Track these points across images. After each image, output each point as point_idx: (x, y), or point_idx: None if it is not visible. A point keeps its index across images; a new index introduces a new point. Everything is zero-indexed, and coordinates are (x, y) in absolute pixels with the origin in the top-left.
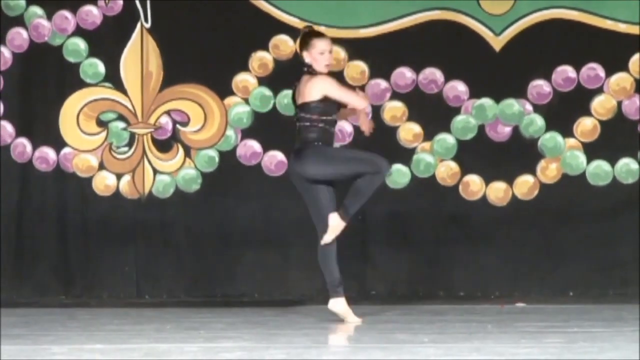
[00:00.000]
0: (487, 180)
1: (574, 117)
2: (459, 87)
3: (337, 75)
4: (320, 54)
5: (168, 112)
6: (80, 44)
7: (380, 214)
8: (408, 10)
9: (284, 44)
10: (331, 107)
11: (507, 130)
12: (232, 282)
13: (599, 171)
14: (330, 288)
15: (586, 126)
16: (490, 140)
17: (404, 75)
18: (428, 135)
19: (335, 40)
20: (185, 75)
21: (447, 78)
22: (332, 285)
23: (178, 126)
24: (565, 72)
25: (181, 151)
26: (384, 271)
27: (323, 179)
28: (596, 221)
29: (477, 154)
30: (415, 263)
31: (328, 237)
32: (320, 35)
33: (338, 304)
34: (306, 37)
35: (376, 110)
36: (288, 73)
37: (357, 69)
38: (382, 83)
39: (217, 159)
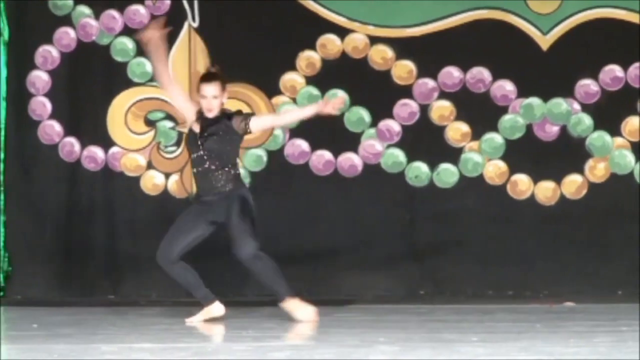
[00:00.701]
0: (535, 180)
1: (622, 116)
2: (506, 87)
3: (384, 75)
4: (202, 98)
5: None
6: (128, 43)
7: (428, 213)
8: (455, 10)
9: (331, 43)
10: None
11: (555, 129)
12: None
13: None
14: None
15: (634, 125)
16: (538, 139)
17: (451, 74)
18: (476, 135)
19: (383, 40)
20: (233, 74)
21: (495, 77)
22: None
23: None
24: (612, 71)
25: None
26: (433, 271)
27: None
28: None
29: (525, 153)
30: (463, 262)
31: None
32: (205, 79)
33: (292, 304)
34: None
35: (424, 110)
36: (335, 72)
37: (405, 68)
38: (430, 82)
39: (265, 158)
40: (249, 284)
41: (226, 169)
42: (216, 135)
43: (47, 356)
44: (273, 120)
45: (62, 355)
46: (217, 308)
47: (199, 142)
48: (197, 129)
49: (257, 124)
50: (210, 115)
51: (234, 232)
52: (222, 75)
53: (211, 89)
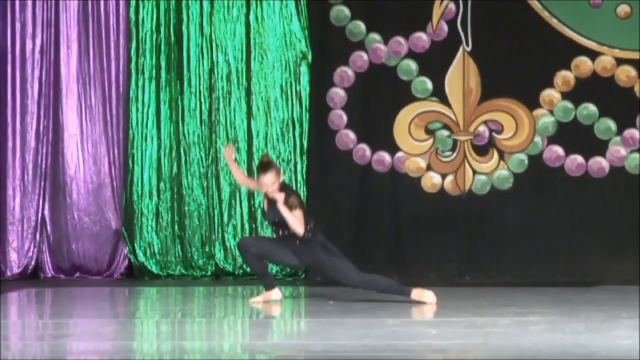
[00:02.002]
0: None
1: None
2: None
3: (629, 90)
4: (262, 186)
5: (485, 122)
6: (412, 64)
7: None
8: None
9: (583, 64)
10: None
11: None
12: (539, 265)
13: None
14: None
15: None
16: None
17: None
18: None
19: (627, 61)
20: (499, 90)
21: None
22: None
23: (494, 134)
24: None
25: (496, 155)
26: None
27: None
28: None
29: None
30: None
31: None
32: (261, 169)
33: (417, 293)
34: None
35: None
36: (587, 89)
37: None
38: None
39: (526, 162)
40: (512, 266)
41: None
42: (274, 213)
43: (341, 327)
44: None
45: (354, 327)
46: (275, 293)
47: (267, 217)
48: (265, 206)
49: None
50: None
51: (333, 273)
52: (274, 163)
53: (267, 179)
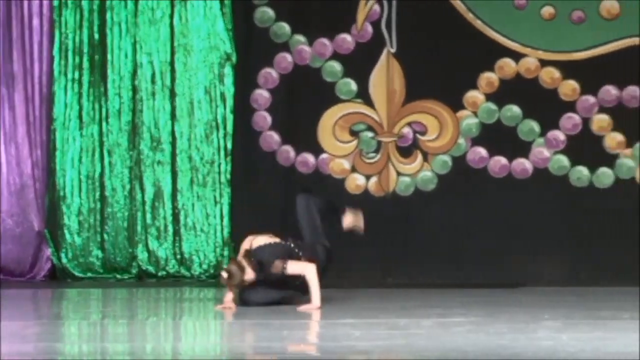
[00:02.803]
0: None
1: None
2: None
3: (552, 92)
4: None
5: (409, 124)
6: (336, 66)
7: (588, 209)
8: (612, 38)
9: (507, 66)
10: None
11: None
12: (463, 266)
13: None
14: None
15: None
16: None
17: (609, 92)
18: (630, 143)
19: (551, 62)
20: (423, 92)
21: None
22: None
23: (417, 135)
24: None
25: (420, 156)
26: (591, 258)
27: None
28: None
29: None
30: (617, 251)
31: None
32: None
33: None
34: None
35: (586, 122)
36: (511, 90)
37: (570, 86)
38: (591, 98)
39: (450, 163)
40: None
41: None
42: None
43: (265, 329)
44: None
45: (277, 329)
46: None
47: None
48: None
49: (293, 269)
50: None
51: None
52: (233, 272)
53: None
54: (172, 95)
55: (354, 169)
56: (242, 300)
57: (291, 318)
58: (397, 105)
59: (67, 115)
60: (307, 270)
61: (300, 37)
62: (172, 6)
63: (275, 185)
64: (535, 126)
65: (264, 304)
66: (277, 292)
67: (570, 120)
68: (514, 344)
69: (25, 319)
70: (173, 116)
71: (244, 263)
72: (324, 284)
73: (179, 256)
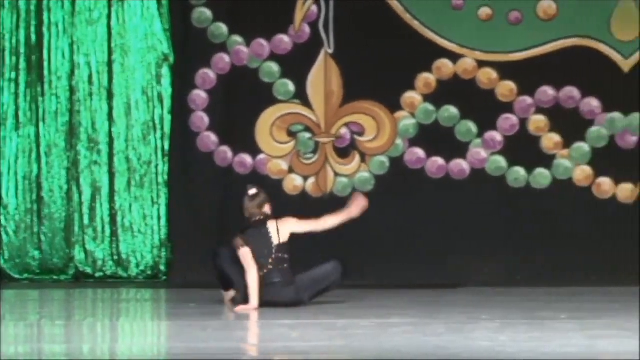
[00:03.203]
0: (617, 182)
1: None
2: (592, 103)
3: (490, 93)
4: None
5: (347, 124)
6: (274, 66)
7: (525, 210)
8: (550, 38)
9: (445, 66)
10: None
11: (634, 139)
12: (400, 267)
13: None
14: None
15: None
16: (619, 147)
17: (546, 92)
18: (567, 144)
19: (488, 63)
20: (361, 93)
21: (583, 95)
22: None
23: (355, 136)
24: None
25: (357, 157)
26: (529, 259)
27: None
28: None
29: (608, 159)
30: (555, 252)
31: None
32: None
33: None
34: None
35: (523, 123)
36: (448, 91)
37: (507, 87)
38: (528, 99)
39: (387, 164)
40: (373, 269)
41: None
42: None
43: (202, 330)
44: (315, 226)
45: (215, 330)
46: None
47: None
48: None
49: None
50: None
51: None
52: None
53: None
54: (110, 96)
55: (291, 170)
56: (293, 302)
57: (229, 319)
58: (335, 106)
59: (3, 115)
60: (249, 271)
61: (237, 38)
62: (110, 7)
63: (213, 186)
64: (472, 127)
65: (317, 294)
66: (317, 283)
67: (508, 121)
68: (451, 344)
69: None
70: (110, 117)
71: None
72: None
73: (116, 257)
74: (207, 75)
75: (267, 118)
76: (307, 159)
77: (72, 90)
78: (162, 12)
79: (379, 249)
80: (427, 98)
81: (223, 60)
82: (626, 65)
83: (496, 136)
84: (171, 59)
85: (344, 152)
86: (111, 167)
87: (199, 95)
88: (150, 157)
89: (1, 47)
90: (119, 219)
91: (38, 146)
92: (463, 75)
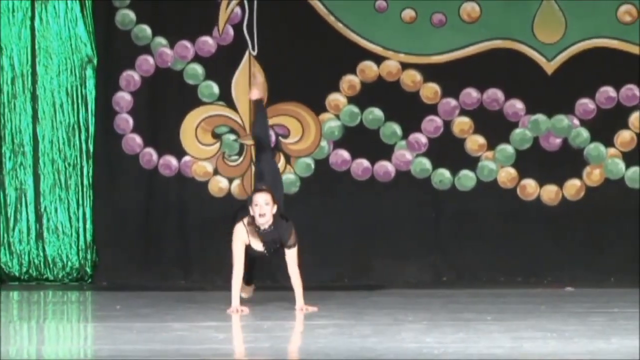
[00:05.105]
0: (541, 184)
1: (615, 130)
2: (517, 105)
3: (414, 95)
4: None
5: (272, 126)
6: (198, 69)
7: (450, 212)
8: (474, 40)
9: (368, 69)
10: None
11: (558, 141)
12: (325, 268)
13: (636, 176)
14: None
15: (625, 138)
16: (543, 149)
17: (470, 94)
18: (491, 146)
19: (413, 65)
20: (286, 95)
21: (507, 97)
22: None
23: (280, 138)
24: (607, 92)
25: (283, 159)
26: (454, 261)
27: None
28: (634, 218)
29: (532, 161)
30: (479, 253)
31: None
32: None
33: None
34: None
35: (447, 125)
36: (372, 93)
37: (431, 89)
38: (452, 101)
39: (313, 166)
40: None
41: None
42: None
43: (128, 332)
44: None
45: (141, 332)
46: (245, 291)
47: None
48: (259, 247)
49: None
50: (265, 225)
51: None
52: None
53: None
54: (34, 98)
55: (216, 172)
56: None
57: (154, 321)
58: None
59: None
60: (234, 269)
61: (161, 40)
62: (33, 8)
63: (138, 188)
64: (397, 129)
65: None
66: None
67: (432, 123)
68: (377, 346)
69: None
70: (35, 119)
71: None
72: (188, 287)
73: (42, 259)
74: (132, 77)
75: (192, 120)
76: (232, 160)
77: None
78: (86, 14)
79: (304, 251)
80: (351, 100)
81: (147, 62)
82: (550, 67)
83: (421, 138)
84: (95, 61)
85: None
86: (36, 169)
87: (123, 97)
88: (75, 159)
89: None
90: (44, 221)
91: None
92: (387, 78)
